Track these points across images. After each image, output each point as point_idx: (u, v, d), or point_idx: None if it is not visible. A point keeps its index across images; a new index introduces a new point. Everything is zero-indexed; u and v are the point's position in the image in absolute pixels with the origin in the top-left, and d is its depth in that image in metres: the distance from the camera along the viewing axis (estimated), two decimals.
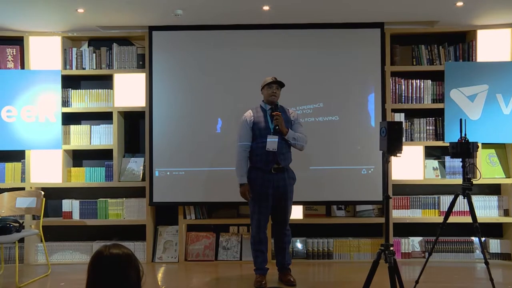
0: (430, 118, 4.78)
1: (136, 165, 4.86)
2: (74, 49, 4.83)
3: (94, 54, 4.84)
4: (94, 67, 4.83)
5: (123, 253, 1.69)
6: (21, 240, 4.57)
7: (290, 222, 4.03)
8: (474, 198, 4.57)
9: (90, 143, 4.83)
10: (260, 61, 4.65)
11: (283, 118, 3.84)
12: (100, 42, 4.91)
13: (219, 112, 4.68)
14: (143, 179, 4.78)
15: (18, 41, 4.80)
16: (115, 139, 4.77)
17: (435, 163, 4.84)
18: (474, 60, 4.70)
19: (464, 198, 3.52)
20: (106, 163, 4.81)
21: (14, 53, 4.82)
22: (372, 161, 4.61)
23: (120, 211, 4.82)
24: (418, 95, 4.77)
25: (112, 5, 4.05)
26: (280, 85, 3.92)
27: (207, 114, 4.67)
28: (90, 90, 4.84)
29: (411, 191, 4.83)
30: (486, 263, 3.39)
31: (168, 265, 4.67)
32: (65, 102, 4.81)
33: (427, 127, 4.77)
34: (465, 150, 3.48)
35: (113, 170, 4.77)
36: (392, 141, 3.09)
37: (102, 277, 1.66)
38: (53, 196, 4.86)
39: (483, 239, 4.42)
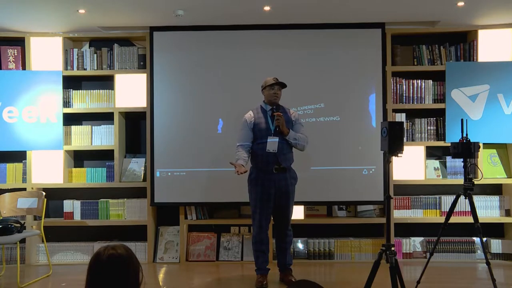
0: (431, 118, 4.77)
1: (137, 165, 4.86)
2: (75, 50, 4.83)
3: (95, 55, 4.84)
4: (95, 68, 4.84)
5: (123, 254, 1.68)
6: (23, 241, 4.57)
7: (291, 223, 4.03)
8: (476, 198, 4.55)
9: (91, 144, 4.84)
10: (261, 61, 4.65)
11: (284, 118, 3.82)
12: (101, 43, 4.91)
13: (220, 113, 4.68)
14: (144, 180, 4.79)
15: (19, 42, 4.81)
16: (116, 140, 4.77)
17: (436, 163, 4.84)
18: (475, 60, 4.69)
19: (465, 198, 3.51)
20: (107, 163, 4.81)
21: (16, 54, 4.82)
22: (373, 161, 4.60)
23: (121, 212, 4.82)
24: (419, 95, 4.76)
25: (113, 5, 4.05)
26: (282, 86, 3.92)
27: (208, 114, 4.68)
28: (91, 90, 4.85)
29: (412, 191, 4.82)
30: (488, 263, 3.39)
31: (169, 266, 4.67)
32: (66, 103, 4.81)
33: (428, 127, 4.77)
34: (466, 150, 3.48)
35: (114, 170, 4.77)
36: (393, 141, 3.09)
37: (102, 278, 1.65)
38: (54, 196, 4.86)
39: (484, 239, 4.42)
